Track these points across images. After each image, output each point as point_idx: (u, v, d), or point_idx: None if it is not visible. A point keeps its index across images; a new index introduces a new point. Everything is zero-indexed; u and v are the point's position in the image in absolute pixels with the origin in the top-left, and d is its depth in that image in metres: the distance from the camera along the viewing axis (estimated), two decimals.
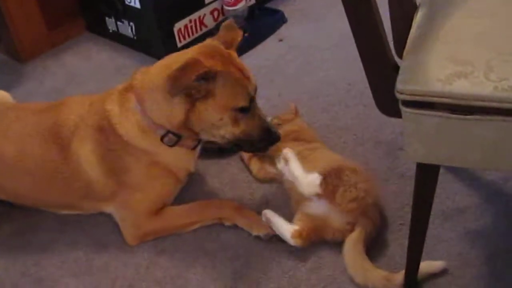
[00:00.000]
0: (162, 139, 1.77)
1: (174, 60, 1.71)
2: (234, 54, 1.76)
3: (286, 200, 1.84)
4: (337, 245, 1.67)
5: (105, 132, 1.78)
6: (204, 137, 1.79)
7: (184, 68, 1.61)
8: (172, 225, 1.83)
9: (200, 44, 1.79)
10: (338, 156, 1.89)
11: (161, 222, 1.82)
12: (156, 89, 1.71)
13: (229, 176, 2.02)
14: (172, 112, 1.71)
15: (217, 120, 1.70)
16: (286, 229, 1.67)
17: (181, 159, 1.84)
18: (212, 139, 1.78)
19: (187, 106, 1.68)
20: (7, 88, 2.21)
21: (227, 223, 1.82)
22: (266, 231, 1.74)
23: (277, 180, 1.90)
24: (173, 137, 1.77)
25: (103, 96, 1.85)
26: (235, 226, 1.81)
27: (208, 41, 1.79)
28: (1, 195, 1.93)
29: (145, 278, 1.73)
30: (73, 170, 1.81)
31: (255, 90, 1.75)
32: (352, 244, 1.63)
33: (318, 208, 1.69)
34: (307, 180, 1.69)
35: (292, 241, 1.66)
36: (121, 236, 1.84)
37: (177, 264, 1.76)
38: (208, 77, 1.63)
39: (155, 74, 1.74)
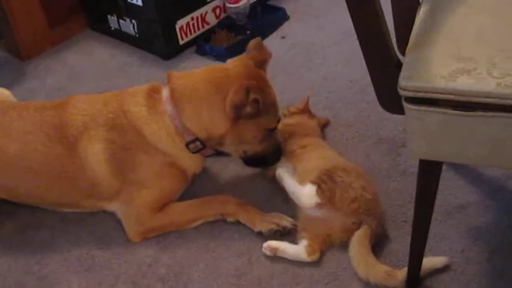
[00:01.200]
0: (187, 144, 1.79)
1: (219, 76, 1.76)
2: (266, 74, 1.84)
3: (287, 197, 1.83)
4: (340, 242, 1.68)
5: (121, 131, 1.78)
6: (226, 149, 1.85)
7: (246, 94, 1.68)
8: (175, 221, 1.83)
9: (240, 62, 1.81)
10: (331, 152, 1.89)
11: (164, 218, 1.82)
12: (202, 101, 1.75)
13: (231, 172, 2.02)
14: (214, 125, 1.76)
15: (251, 138, 1.79)
16: (300, 251, 1.66)
17: (194, 162, 1.87)
18: (232, 152, 1.86)
19: (231, 123, 1.74)
20: (8, 86, 2.21)
21: (229, 219, 1.82)
22: (269, 227, 1.74)
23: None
24: (199, 145, 1.80)
25: (118, 95, 1.85)
26: (237, 223, 1.81)
27: (244, 59, 1.83)
28: (3, 194, 1.93)
29: (147, 275, 1.74)
30: (78, 169, 1.80)
31: None
32: (359, 239, 1.62)
33: (322, 216, 1.68)
34: (303, 193, 1.70)
35: (309, 259, 1.66)
36: (123, 233, 1.84)
37: (180, 261, 1.76)
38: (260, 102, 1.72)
39: (199, 86, 1.77)
